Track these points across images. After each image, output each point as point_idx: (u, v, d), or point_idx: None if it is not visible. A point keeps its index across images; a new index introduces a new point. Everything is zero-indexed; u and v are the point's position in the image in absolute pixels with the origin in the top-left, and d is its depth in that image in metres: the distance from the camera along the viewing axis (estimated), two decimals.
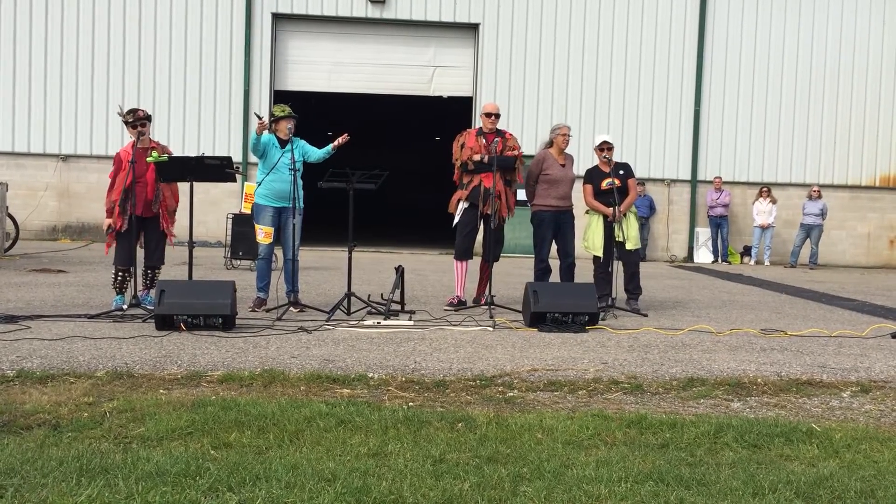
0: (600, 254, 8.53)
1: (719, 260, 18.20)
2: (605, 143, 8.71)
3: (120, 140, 16.12)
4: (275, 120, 8.04)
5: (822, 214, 17.56)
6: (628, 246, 8.56)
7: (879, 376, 5.80)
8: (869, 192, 18.94)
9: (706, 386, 5.38)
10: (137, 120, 7.60)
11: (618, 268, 8.59)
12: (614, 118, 18.23)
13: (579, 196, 8.70)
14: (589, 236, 8.63)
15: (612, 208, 8.45)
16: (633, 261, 8.71)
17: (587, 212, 8.72)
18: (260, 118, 7.75)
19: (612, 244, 8.53)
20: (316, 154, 8.07)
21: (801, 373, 5.81)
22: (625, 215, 8.56)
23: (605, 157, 8.67)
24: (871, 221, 18.97)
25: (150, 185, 7.57)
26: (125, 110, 7.80)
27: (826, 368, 5.99)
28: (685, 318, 8.39)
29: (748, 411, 4.88)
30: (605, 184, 8.55)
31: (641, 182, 17.38)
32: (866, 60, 18.63)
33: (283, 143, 7.91)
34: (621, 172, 8.65)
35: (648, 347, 6.62)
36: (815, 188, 17.75)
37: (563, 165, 8.62)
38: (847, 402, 5.20)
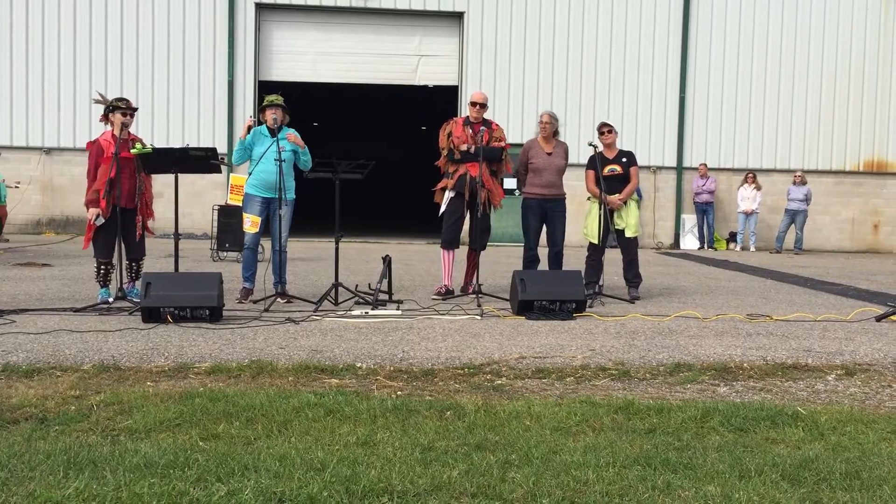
0: (597, 241, 8.55)
1: (705, 246, 18.29)
2: (602, 125, 8.75)
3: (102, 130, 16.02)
4: (260, 110, 8.01)
5: (807, 200, 17.66)
6: (628, 233, 8.60)
7: (864, 359, 5.85)
8: (853, 177, 19.06)
9: (693, 371, 5.41)
10: (129, 108, 7.56)
11: (610, 255, 8.63)
12: (600, 106, 18.24)
13: (571, 185, 8.69)
14: (588, 223, 8.64)
15: (613, 196, 8.52)
16: (631, 248, 8.74)
17: (588, 198, 8.73)
18: (251, 119, 7.81)
19: (608, 232, 8.58)
20: (303, 162, 7.99)
21: (786, 357, 5.85)
22: (626, 203, 8.58)
23: (590, 144, 8.69)
24: (855, 206, 19.10)
25: (131, 176, 7.51)
26: (111, 99, 7.73)
27: (811, 352, 6.04)
28: (672, 305, 8.43)
29: (734, 395, 4.92)
30: (606, 170, 8.59)
31: None
32: (849, 46, 18.71)
33: (273, 133, 7.86)
34: (624, 160, 8.68)
35: (635, 334, 6.65)
36: (799, 174, 17.84)
37: (550, 154, 8.60)
38: (832, 385, 5.24)
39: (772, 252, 17.63)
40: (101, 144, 7.50)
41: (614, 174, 8.59)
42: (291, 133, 7.83)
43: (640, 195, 18.17)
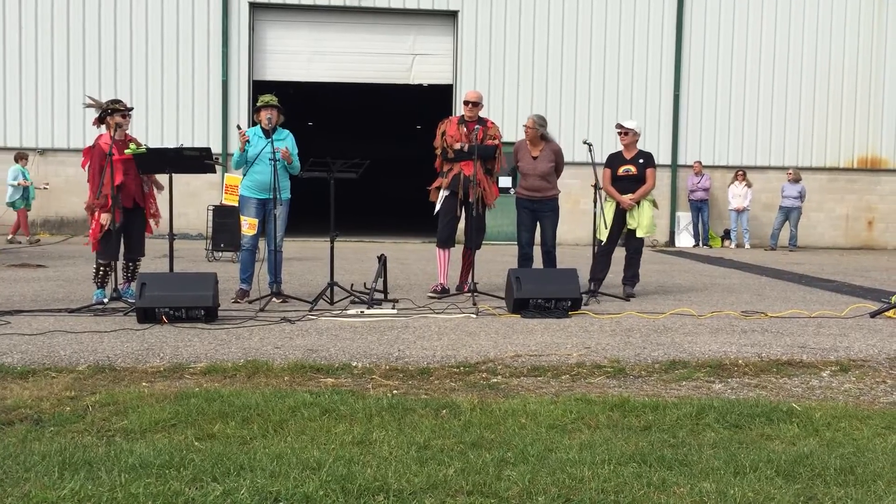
0: (604, 238, 8.60)
1: (700, 244, 18.31)
2: (616, 126, 8.89)
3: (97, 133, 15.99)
4: (255, 110, 7.99)
5: (801, 197, 17.69)
6: (639, 233, 8.65)
7: (858, 355, 5.87)
8: (847, 174, 19.09)
9: (688, 368, 5.43)
10: (127, 110, 7.54)
11: (616, 254, 8.73)
12: (594, 104, 18.25)
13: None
14: (600, 220, 8.67)
15: (625, 196, 8.57)
16: (633, 247, 8.78)
17: (606, 198, 8.77)
18: (240, 128, 7.79)
19: (618, 230, 8.64)
20: (293, 167, 7.98)
21: (781, 353, 5.87)
22: (639, 204, 8.62)
23: (585, 142, 8.72)
24: (848, 203, 19.13)
25: (136, 176, 7.49)
26: (104, 102, 7.71)
27: (806, 349, 6.06)
28: (667, 302, 8.44)
29: (729, 392, 4.93)
30: (621, 170, 8.66)
31: None
32: (843, 43, 18.73)
33: (267, 134, 7.83)
34: (640, 161, 8.72)
35: (631, 331, 6.66)
36: (792, 170, 17.85)
37: (536, 158, 8.58)
38: (827, 381, 5.26)
39: (766, 249, 17.66)
40: (101, 147, 7.45)
41: (628, 174, 8.65)
42: (284, 149, 7.78)
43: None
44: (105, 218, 7.37)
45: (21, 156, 15.41)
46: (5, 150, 17.33)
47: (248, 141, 7.75)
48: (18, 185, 14.95)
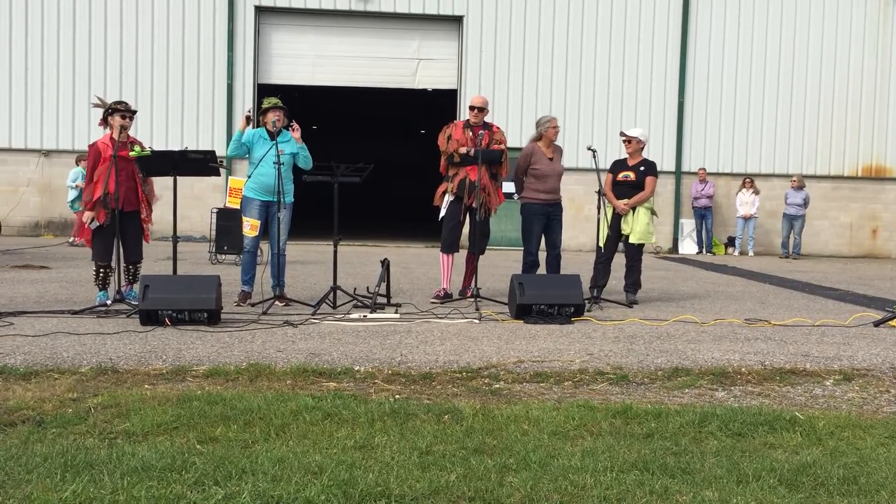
0: (602, 244, 8.62)
1: (704, 251, 18.29)
2: (620, 134, 9.04)
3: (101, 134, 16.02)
4: (262, 112, 8.00)
5: (805, 204, 17.68)
6: (632, 239, 8.65)
7: (862, 364, 5.86)
8: (851, 182, 19.07)
9: (691, 376, 5.42)
10: (128, 111, 7.56)
11: (617, 260, 8.75)
12: (598, 110, 18.26)
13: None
14: (601, 226, 8.69)
15: (620, 200, 8.62)
16: (630, 254, 8.78)
17: (608, 204, 8.79)
18: (249, 111, 7.84)
19: (616, 236, 8.69)
20: (302, 161, 8.00)
21: (784, 362, 5.85)
22: (633, 210, 8.63)
23: (589, 148, 8.75)
24: (853, 211, 19.11)
25: (129, 178, 7.51)
26: (109, 102, 7.73)
27: (809, 357, 6.04)
28: (670, 309, 8.43)
29: (732, 400, 4.92)
30: (620, 176, 8.73)
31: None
32: (848, 51, 18.74)
33: (272, 137, 7.84)
34: (641, 168, 8.76)
35: (634, 338, 6.65)
36: (796, 178, 17.84)
37: (551, 159, 8.63)
38: (830, 390, 5.25)
39: (781, 257, 17.64)
40: (98, 147, 7.50)
41: (626, 180, 8.72)
42: (294, 130, 7.83)
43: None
44: (87, 216, 7.42)
45: (82, 158, 15.60)
46: (9, 150, 17.39)
47: (248, 118, 7.76)
48: (76, 186, 15.11)
